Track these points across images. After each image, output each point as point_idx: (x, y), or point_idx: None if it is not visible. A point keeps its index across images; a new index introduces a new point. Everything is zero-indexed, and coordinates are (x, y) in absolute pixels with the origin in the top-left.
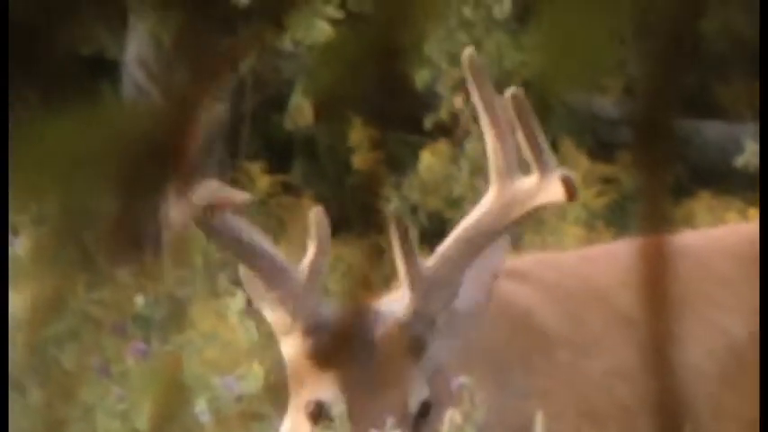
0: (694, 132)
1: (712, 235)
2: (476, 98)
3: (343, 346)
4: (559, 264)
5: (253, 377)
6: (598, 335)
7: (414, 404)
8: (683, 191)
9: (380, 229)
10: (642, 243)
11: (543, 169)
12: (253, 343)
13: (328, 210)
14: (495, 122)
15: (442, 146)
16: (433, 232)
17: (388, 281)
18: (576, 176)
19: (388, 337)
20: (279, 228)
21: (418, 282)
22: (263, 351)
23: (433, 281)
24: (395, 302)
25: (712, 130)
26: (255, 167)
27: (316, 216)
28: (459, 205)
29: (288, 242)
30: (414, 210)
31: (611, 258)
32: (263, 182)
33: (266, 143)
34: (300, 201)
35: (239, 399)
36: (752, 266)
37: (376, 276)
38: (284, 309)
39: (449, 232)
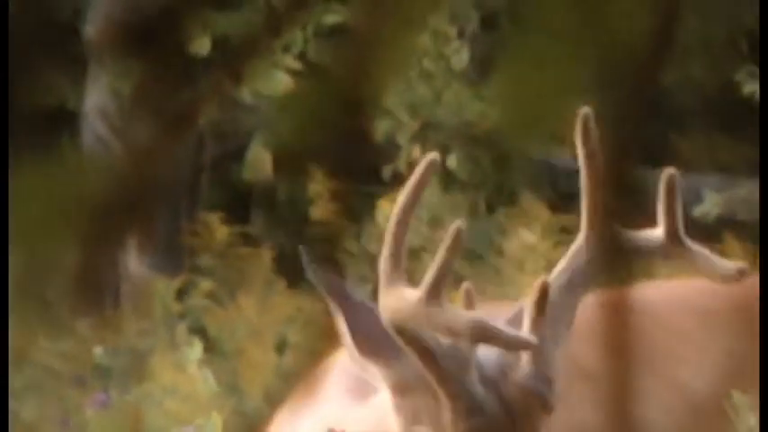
0: (653, 183)
1: (672, 288)
2: (579, 151)
3: (495, 424)
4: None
5: (211, 427)
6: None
7: None
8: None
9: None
10: (601, 297)
11: (673, 235)
12: (211, 393)
13: (288, 261)
14: (593, 176)
15: (400, 196)
16: None
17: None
18: (537, 230)
19: (527, 405)
20: (238, 278)
21: (540, 348)
22: (222, 401)
23: (547, 341)
24: (506, 365)
25: None
26: (214, 218)
27: (466, 293)
28: (417, 256)
29: (247, 293)
30: (372, 260)
31: None
32: (222, 233)
33: (225, 194)
34: (259, 251)
35: None
36: (712, 320)
37: (335, 326)
38: (445, 388)
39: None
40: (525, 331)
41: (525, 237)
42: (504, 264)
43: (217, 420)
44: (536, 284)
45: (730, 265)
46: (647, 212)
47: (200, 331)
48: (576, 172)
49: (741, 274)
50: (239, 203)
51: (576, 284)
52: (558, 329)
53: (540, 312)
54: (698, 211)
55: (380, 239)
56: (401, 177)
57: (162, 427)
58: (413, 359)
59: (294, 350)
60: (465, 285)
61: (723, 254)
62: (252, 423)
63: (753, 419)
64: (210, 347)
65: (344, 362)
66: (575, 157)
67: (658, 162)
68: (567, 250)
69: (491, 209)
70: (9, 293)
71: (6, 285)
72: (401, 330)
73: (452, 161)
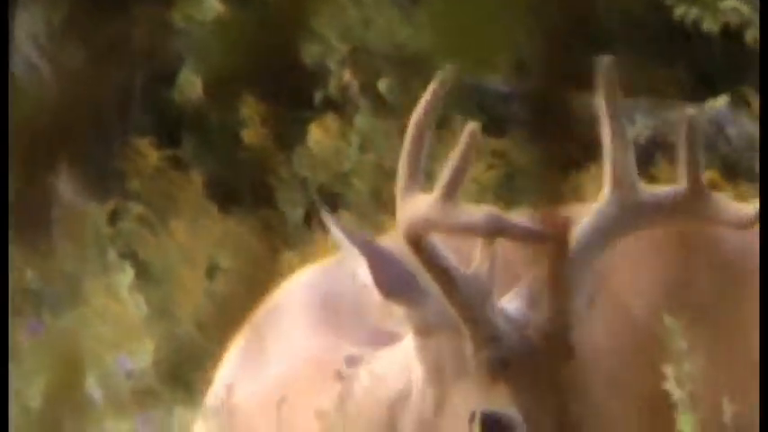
0: (584, 107)
1: None
2: (602, 106)
3: (515, 358)
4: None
5: (143, 353)
6: None
7: (574, 410)
8: (572, 165)
9: (270, 203)
10: (545, 216)
11: (697, 187)
12: (142, 317)
13: (218, 185)
14: (617, 132)
15: (331, 121)
16: (322, 205)
17: (276, 253)
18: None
19: (554, 352)
20: (169, 203)
21: (565, 297)
22: (153, 325)
23: (567, 292)
24: (521, 306)
25: None
26: (145, 143)
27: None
28: (348, 180)
29: (178, 217)
30: (303, 184)
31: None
32: (153, 157)
33: (156, 118)
34: (190, 176)
35: (130, 375)
36: (650, 243)
37: (266, 250)
38: (463, 314)
39: (339, 205)
40: (550, 298)
41: None
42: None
43: (149, 346)
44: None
45: (748, 209)
46: (579, 137)
47: (131, 256)
48: (508, 96)
49: (756, 217)
50: (170, 128)
51: (600, 243)
52: (581, 286)
53: (465, 162)
54: (630, 134)
55: (312, 164)
56: (332, 102)
57: (95, 354)
58: (435, 294)
59: (225, 274)
60: (469, 126)
61: (655, 178)
62: (182, 347)
63: (683, 344)
64: (142, 272)
65: (309, 283)
66: (506, 82)
67: (588, 86)
68: (498, 174)
69: None
70: (9, 293)
71: (6, 279)
72: (418, 246)
73: (383, 86)
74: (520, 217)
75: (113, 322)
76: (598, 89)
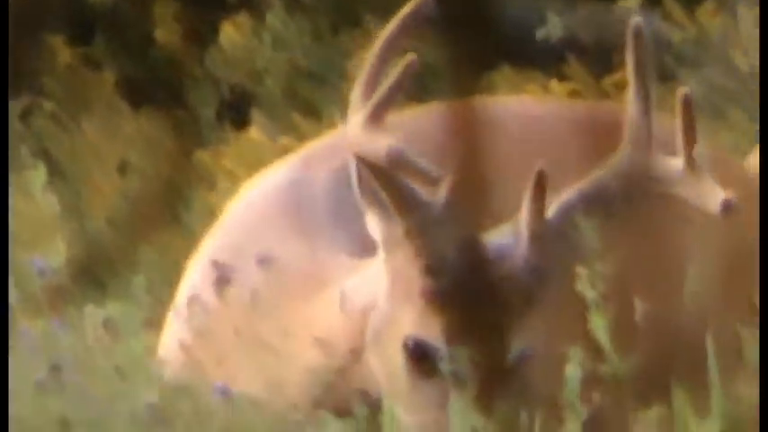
0: (498, 5)
1: (527, 103)
2: (631, 66)
3: (459, 290)
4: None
5: (55, 252)
6: None
7: (514, 353)
8: (484, 63)
9: (182, 101)
10: (454, 107)
11: (692, 165)
12: (55, 217)
13: (130, 84)
14: (643, 95)
15: (244, 19)
16: (235, 105)
17: (189, 152)
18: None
19: (501, 286)
20: (81, 101)
21: (539, 236)
22: (65, 223)
23: (553, 235)
24: (508, 247)
25: (517, 3)
26: (58, 40)
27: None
28: (260, 78)
29: (90, 116)
30: (216, 84)
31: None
32: (65, 55)
33: (69, 17)
34: (102, 74)
35: (42, 274)
36: (565, 137)
37: (178, 149)
38: (410, 240)
39: (251, 105)
40: (525, 218)
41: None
42: (349, 86)
43: (60, 246)
44: (536, 172)
45: (721, 195)
46: (490, 35)
47: (43, 154)
48: None
49: (727, 205)
50: (83, 26)
51: (601, 200)
52: (571, 233)
53: (539, 197)
54: (541, 33)
55: (224, 63)
56: (245, 0)
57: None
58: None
59: (136, 172)
60: (408, 56)
61: (566, 76)
62: (94, 245)
63: (596, 244)
64: (54, 171)
65: (283, 186)
66: None
67: None
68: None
69: (335, 31)
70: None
71: (6, 285)
72: (370, 164)
73: None
74: (422, 157)
75: (25, 221)
76: (627, 49)
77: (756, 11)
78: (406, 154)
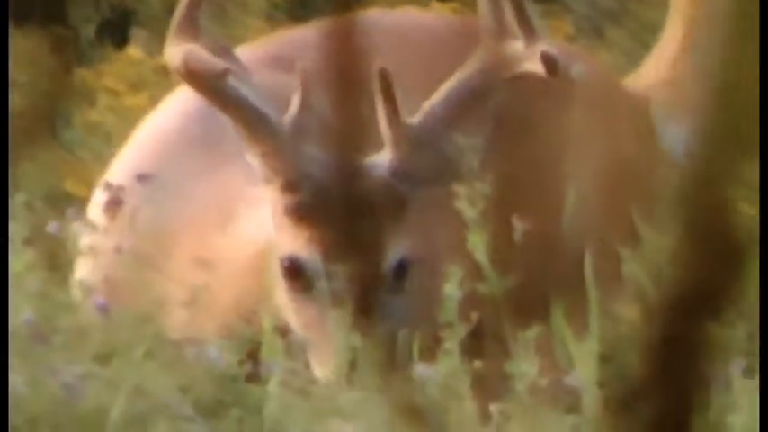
0: None
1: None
2: None
3: (322, 203)
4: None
5: None
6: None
7: (389, 263)
8: None
9: (62, 19)
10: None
11: (528, 37)
12: None
13: (11, 1)
14: None
15: None
16: (115, 22)
17: (70, 68)
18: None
19: (369, 195)
20: None
21: (402, 139)
22: None
23: (419, 139)
24: (377, 159)
25: None
26: None
27: (301, 73)
28: None
29: None
30: (96, 1)
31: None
32: None
33: None
34: None
35: None
36: (442, 49)
37: (58, 66)
38: (266, 161)
39: (133, 22)
40: (382, 123)
41: None
42: (229, 4)
43: None
44: (377, 71)
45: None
46: None
47: None
48: None
49: (546, 58)
50: None
51: (465, 99)
52: (446, 132)
53: (391, 111)
54: None
55: None
56: None
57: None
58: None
59: (18, 89)
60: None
61: None
62: None
63: (475, 162)
64: None
65: (190, 114)
66: None
67: None
68: None
69: None
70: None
71: (7, 275)
72: (207, 89)
73: None
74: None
75: None
76: None
77: None
78: (194, 58)
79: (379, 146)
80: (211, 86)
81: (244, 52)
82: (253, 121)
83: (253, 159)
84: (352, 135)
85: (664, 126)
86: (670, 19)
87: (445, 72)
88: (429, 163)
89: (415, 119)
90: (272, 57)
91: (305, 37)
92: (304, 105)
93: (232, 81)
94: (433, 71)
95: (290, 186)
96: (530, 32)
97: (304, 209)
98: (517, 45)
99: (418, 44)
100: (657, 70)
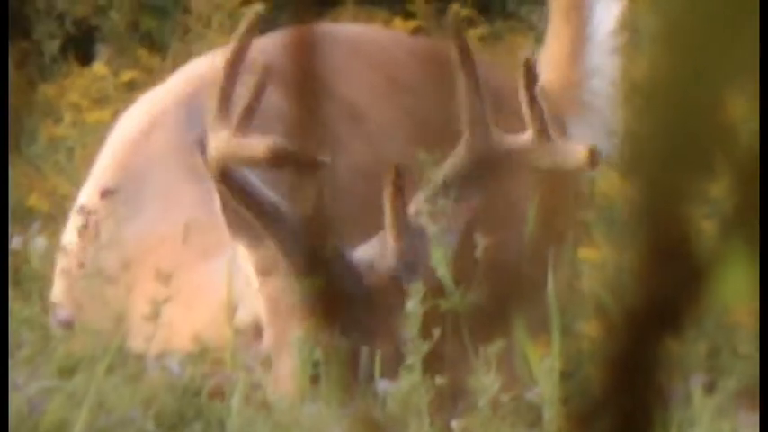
0: None
1: (359, 29)
2: (455, 55)
3: (337, 292)
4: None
5: None
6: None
7: (401, 340)
8: (329, 2)
9: (27, 34)
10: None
11: (542, 136)
12: None
13: None
14: (471, 76)
15: None
16: (79, 38)
17: (34, 84)
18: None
19: (379, 289)
20: None
21: (405, 233)
22: None
23: (417, 228)
24: (374, 247)
25: None
26: None
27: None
28: (105, 12)
29: None
30: (60, 18)
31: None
32: None
33: None
34: None
35: None
36: (395, 72)
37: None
38: (278, 247)
39: (96, 39)
40: (389, 239)
41: None
42: (192, 21)
43: None
44: (390, 169)
45: (583, 150)
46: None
47: None
48: None
49: (593, 157)
50: None
51: (456, 187)
52: (434, 229)
53: (397, 207)
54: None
55: None
56: None
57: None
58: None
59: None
60: (260, 60)
61: (410, 13)
62: None
63: (438, 179)
64: None
65: (177, 121)
66: None
67: None
68: (250, 9)
69: None
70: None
71: (6, 279)
72: (229, 183)
73: None
74: (306, 150)
75: None
76: (450, 39)
77: None
78: (288, 148)
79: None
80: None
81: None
82: (269, 212)
83: (259, 256)
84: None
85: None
86: (552, 20)
87: (393, 86)
88: (424, 252)
89: (411, 209)
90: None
91: (267, 45)
92: (319, 196)
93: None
94: (381, 84)
95: (307, 272)
96: (543, 130)
97: (323, 296)
98: (519, 140)
99: (368, 56)
100: (549, 72)
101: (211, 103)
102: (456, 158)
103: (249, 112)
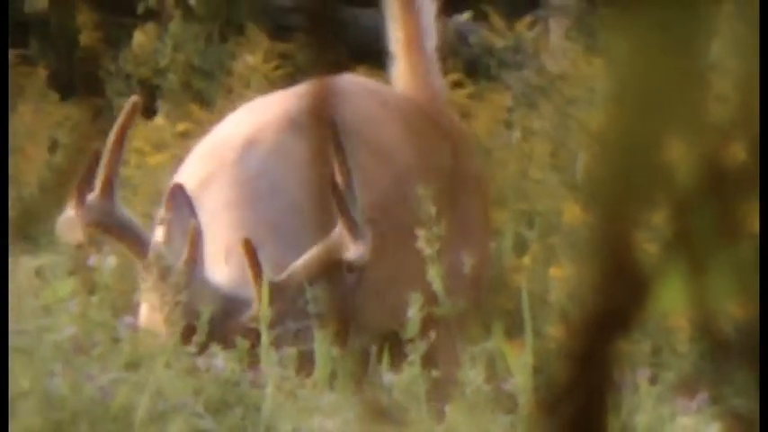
0: (352, 19)
1: (370, 83)
2: (336, 150)
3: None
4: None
5: None
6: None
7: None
8: (342, 65)
9: (100, 92)
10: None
11: (352, 233)
12: None
13: (59, 78)
14: (344, 172)
15: (151, 26)
16: (143, 96)
17: (105, 133)
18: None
19: (230, 326)
20: (19, 91)
21: (266, 293)
22: None
23: (281, 293)
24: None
25: (367, 17)
26: None
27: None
28: (164, 74)
29: (25, 103)
30: (128, 78)
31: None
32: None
33: (9, 24)
34: (36, 70)
35: None
36: (403, 118)
37: (96, 131)
38: (161, 299)
39: (157, 96)
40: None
41: (250, 60)
42: (234, 81)
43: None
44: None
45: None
46: (347, 44)
47: None
48: (292, 9)
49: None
50: (20, 31)
51: (326, 266)
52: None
53: (254, 263)
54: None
55: (134, 62)
56: (151, 11)
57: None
58: None
59: (62, 149)
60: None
61: None
62: (28, 207)
63: (432, 209)
64: None
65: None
66: None
67: (356, 2)
68: (284, 72)
69: (223, 38)
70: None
71: (6, 282)
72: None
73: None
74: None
75: None
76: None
77: (564, 24)
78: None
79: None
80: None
81: (264, 116)
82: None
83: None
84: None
85: None
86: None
87: (410, 132)
88: (287, 311)
89: (280, 277)
90: (288, 121)
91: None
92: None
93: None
94: (402, 130)
95: (189, 328)
96: (353, 228)
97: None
98: (345, 236)
99: (396, 106)
100: (409, 88)
101: (100, 170)
102: (324, 243)
103: (110, 177)
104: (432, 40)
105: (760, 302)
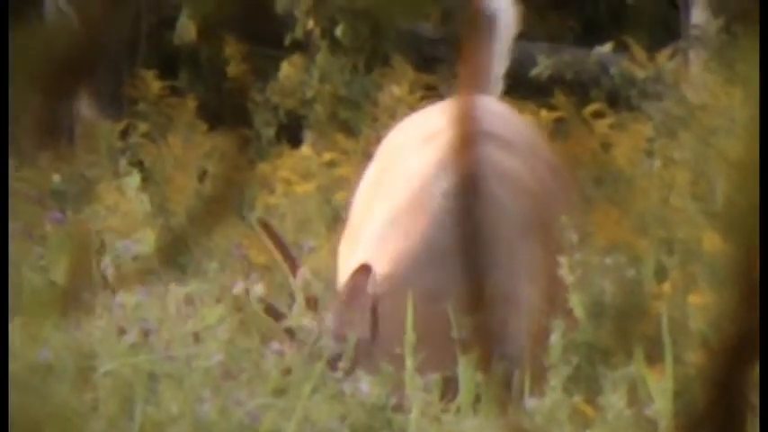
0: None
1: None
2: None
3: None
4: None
5: (146, 241)
6: None
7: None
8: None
9: (248, 123)
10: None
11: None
12: (146, 213)
13: (207, 108)
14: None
15: (298, 58)
16: (290, 126)
17: (253, 163)
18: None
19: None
20: (168, 122)
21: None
22: (154, 219)
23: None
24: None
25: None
26: (149, 74)
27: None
28: (310, 105)
29: (175, 134)
30: (275, 109)
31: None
32: (156, 86)
33: (159, 55)
34: (185, 101)
35: (136, 258)
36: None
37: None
38: None
39: (303, 126)
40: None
41: (395, 91)
42: (379, 112)
43: (150, 235)
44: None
45: None
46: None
47: (138, 164)
48: (437, 41)
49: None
50: (170, 63)
51: None
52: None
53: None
54: (533, 72)
55: (281, 93)
56: (298, 43)
57: (108, 240)
58: None
59: (212, 179)
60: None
61: (554, 107)
62: (177, 236)
63: (575, 237)
64: (146, 177)
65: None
66: (435, 28)
67: None
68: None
69: (369, 69)
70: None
71: (6, 284)
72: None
73: (338, 31)
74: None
75: (123, 216)
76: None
77: (704, 55)
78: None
79: None
80: None
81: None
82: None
83: None
84: None
85: None
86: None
87: (530, 150)
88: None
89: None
90: (486, 135)
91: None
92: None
93: None
94: (525, 147)
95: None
96: (292, 264)
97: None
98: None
99: (519, 126)
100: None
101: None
102: None
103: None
104: (502, 67)
105: (760, 302)
